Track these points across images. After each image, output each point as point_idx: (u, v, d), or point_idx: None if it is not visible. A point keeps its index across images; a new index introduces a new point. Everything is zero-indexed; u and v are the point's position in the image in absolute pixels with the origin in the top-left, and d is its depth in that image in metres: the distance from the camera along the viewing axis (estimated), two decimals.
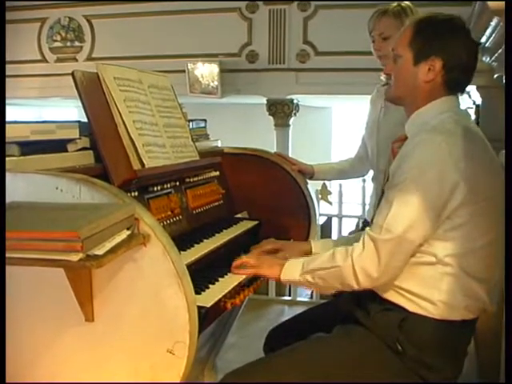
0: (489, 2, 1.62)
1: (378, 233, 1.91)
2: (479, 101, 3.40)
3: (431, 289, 1.93)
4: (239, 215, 2.92)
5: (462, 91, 2.10)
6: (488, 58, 2.40)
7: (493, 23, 1.88)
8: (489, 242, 1.94)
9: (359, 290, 2.01)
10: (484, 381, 2.20)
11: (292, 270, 2.11)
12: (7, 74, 7.71)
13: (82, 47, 8.60)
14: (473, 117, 3.67)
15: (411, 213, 1.87)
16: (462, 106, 3.74)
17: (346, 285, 1.98)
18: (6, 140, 1.84)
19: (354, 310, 2.10)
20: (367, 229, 1.98)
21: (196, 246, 2.27)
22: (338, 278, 1.98)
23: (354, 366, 1.99)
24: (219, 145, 3.18)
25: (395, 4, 2.95)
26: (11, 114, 9.19)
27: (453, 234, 1.90)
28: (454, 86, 2.05)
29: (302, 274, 2.07)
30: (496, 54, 2.09)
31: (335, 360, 2.00)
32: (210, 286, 2.05)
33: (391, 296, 1.99)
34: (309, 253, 2.42)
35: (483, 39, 2.18)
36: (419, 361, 1.95)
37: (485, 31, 2.07)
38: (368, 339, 2.02)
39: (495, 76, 2.50)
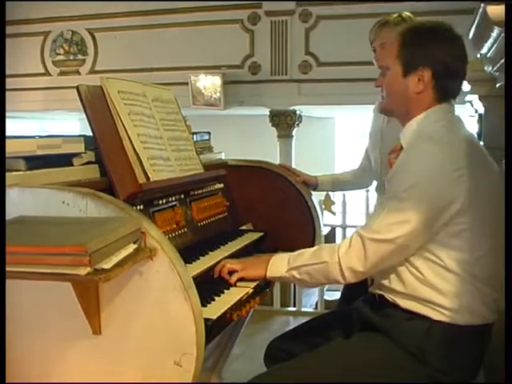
0: (489, 12, 1.63)
1: (367, 232, 1.97)
2: (482, 110, 3.42)
3: (452, 297, 1.96)
4: (244, 227, 2.93)
5: (455, 97, 2.11)
6: (490, 68, 2.42)
7: (494, 34, 1.90)
8: (495, 246, 1.97)
9: (374, 299, 2.11)
10: (486, 382, 2.22)
11: (277, 266, 2.16)
12: (11, 87, 7.77)
13: (84, 60, 8.64)
14: (475, 126, 3.68)
15: (402, 220, 1.91)
16: (465, 115, 3.76)
17: (332, 279, 2.04)
18: (13, 154, 1.86)
19: (372, 317, 2.12)
20: (357, 227, 2.04)
21: (201, 258, 2.28)
22: (325, 273, 2.04)
23: (375, 371, 2.01)
24: (223, 157, 3.20)
25: (396, 15, 2.97)
26: (14, 127, 9.26)
27: (457, 241, 1.93)
28: (445, 93, 2.07)
29: (288, 270, 2.12)
30: (498, 65, 2.11)
31: (356, 365, 2.02)
32: (216, 298, 2.05)
33: (414, 307, 2.01)
34: None
35: (485, 49, 2.20)
36: (441, 366, 1.97)
37: (486, 41, 2.09)
38: (388, 345, 2.03)
39: (497, 85, 2.51)
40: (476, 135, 3.59)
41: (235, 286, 2.19)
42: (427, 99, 2.06)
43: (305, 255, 2.12)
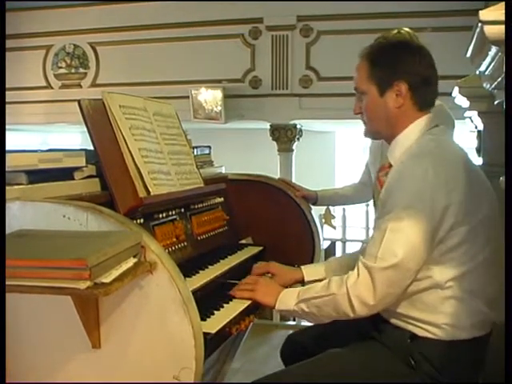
0: (486, 32, 1.65)
1: (372, 261, 1.92)
2: (481, 126, 3.43)
3: (435, 314, 1.95)
4: (244, 241, 2.94)
5: (432, 104, 2.13)
6: (488, 85, 2.44)
7: (491, 52, 1.91)
8: (484, 258, 1.97)
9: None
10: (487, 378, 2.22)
11: (287, 299, 2.13)
12: (13, 100, 7.79)
13: (86, 74, 8.67)
14: (475, 141, 3.70)
15: (405, 241, 1.88)
16: (465, 131, 3.77)
17: (342, 312, 1.98)
18: (15, 168, 1.87)
19: (368, 327, 2.12)
20: (360, 257, 1.99)
21: (201, 272, 2.29)
22: (333, 305, 1.99)
23: (369, 377, 2.01)
24: (223, 171, 3.21)
25: (396, 31, 2.99)
26: (17, 139, 9.28)
27: (449, 256, 1.93)
28: (424, 101, 2.09)
29: (296, 303, 2.08)
30: (496, 82, 2.12)
31: (351, 373, 2.02)
32: (215, 312, 2.06)
33: (399, 323, 2.02)
34: (301, 280, 2.43)
35: (483, 67, 2.22)
36: (432, 376, 1.97)
37: (484, 59, 2.10)
38: (383, 353, 2.04)
39: (496, 102, 2.52)
40: (475, 151, 3.60)
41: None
42: (408, 112, 2.07)
43: (314, 288, 2.08)
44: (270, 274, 2.47)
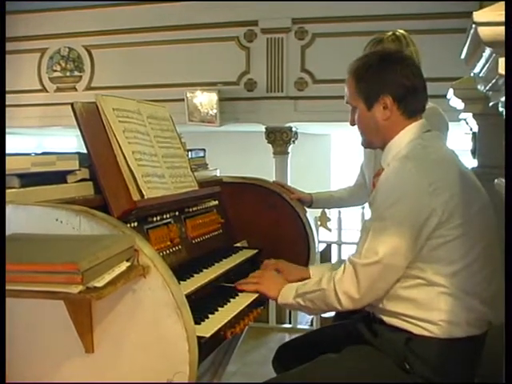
0: (480, 33, 1.65)
1: (357, 257, 2.02)
2: (475, 128, 3.42)
3: (430, 310, 1.99)
4: (239, 244, 2.93)
5: (423, 110, 2.19)
6: (483, 87, 2.43)
7: (485, 54, 1.90)
8: (476, 258, 2.00)
9: (368, 314, 2.15)
10: (483, 381, 2.24)
11: (287, 294, 2.23)
12: (8, 103, 7.77)
13: (81, 77, 8.65)
14: (470, 143, 3.69)
15: (388, 239, 1.96)
16: (460, 133, 3.76)
17: (331, 306, 2.10)
18: (8, 172, 1.86)
19: (363, 330, 2.17)
20: (349, 254, 2.09)
21: (196, 275, 2.28)
22: (324, 300, 2.10)
23: (361, 379, 2.04)
24: (218, 174, 3.20)
25: (390, 33, 2.99)
26: (12, 142, 9.24)
27: (438, 254, 1.97)
28: (411, 110, 2.15)
29: (294, 297, 2.20)
30: (490, 84, 2.12)
31: (346, 377, 2.04)
32: (210, 315, 2.05)
33: (395, 322, 2.05)
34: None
35: (477, 69, 2.21)
36: (427, 378, 1.99)
37: (478, 61, 2.09)
38: (377, 357, 2.07)
39: (490, 104, 2.51)
40: (470, 153, 3.59)
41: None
42: (397, 122, 2.14)
43: (309, 283, 2.20)
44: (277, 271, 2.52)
